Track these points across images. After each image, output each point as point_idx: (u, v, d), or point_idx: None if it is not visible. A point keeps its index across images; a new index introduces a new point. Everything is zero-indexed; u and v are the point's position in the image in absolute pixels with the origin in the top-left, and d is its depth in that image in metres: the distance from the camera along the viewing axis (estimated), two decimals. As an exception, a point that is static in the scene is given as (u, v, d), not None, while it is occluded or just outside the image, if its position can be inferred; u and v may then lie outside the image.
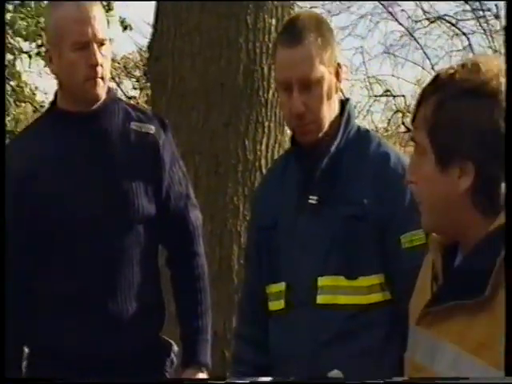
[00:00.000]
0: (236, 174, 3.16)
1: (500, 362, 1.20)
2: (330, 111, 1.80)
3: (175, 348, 2.05)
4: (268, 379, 1.40)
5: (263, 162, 3.17)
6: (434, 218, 1.33)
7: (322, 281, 1.76)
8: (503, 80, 1.28)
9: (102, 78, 1.95)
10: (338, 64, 1.82)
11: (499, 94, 1.27)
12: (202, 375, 2.02)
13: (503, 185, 1.27)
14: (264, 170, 3.06)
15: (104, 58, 1.94)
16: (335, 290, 1.75)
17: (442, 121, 1.28)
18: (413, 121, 1.35)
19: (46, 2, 3.33)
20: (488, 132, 1.26)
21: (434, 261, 1.38)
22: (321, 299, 1.76)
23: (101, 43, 1.94)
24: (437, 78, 1.32)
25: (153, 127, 2.01)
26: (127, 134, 1.99)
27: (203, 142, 3.18)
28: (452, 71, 1.30)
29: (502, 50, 6.64)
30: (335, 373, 1.47)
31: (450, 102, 1.28)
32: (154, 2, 3.42)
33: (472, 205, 1.29)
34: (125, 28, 7.12)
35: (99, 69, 1.93)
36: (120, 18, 6.90)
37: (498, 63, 1.31)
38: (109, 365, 1.92)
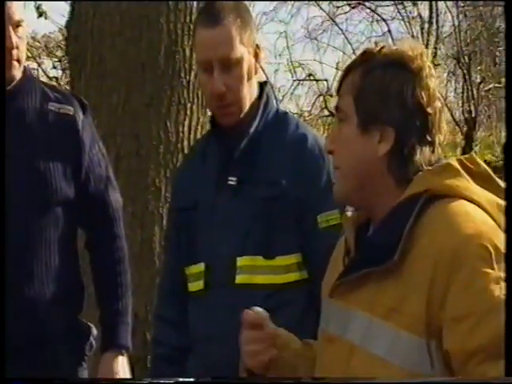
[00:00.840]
0: (158, 155, 3.13)
1: (410, 324, 1.25)
2: (250, 92, 1.81)
3: (94, 331, 2.03)
4: (191, 380, 1.42)
5: (185, 143, 3.15)
6: (349, 183, 1.37)
7: (241, 261, 1.77)
8: (427, 62, 1.34)
9: (18, 61, 1.91)
10: (257, 45, 1.83)
11: (422, 72, 1.33)
12: (122, 358, 2.01)
13: (418, 156, 1.32)
14: (186, 152, 3.05)
15: (20, 40, 1.90)
16: (253, 270, 1.77)
17: (369, 86, 1.34)
18: (338, 91, 1.40)
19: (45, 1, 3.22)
20: (410, 104, 1.32)
21: (346, 237, 1.42)
22: (239, 279, 1.77)
23: (16, 25, 1.89)
24: (365, 52, 1.38)
25: (71, 108, 1.98)
26: (45, 115, 1.95)
27: (124, 123, 3.14)
28: (380, 46, 1.37)
29: (419, 36, 6.82)
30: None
31: (377, 69, 1.34)
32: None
33: (387, 171, 1.34)
34: (40, 15, 6.92)
35: (15, 52, 1.89)
36: (36, 3, 6.68)
37: (422, 47, 1.38)
38: (28, 348, 1.89)
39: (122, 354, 2.02)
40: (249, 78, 1.80)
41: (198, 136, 3.09)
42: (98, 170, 2.02)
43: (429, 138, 1.33)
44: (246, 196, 1.79)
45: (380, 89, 1.33)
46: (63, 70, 8.69)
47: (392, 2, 7.07)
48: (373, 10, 7.24)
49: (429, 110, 1.32)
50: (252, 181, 1.80)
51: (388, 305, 1.28)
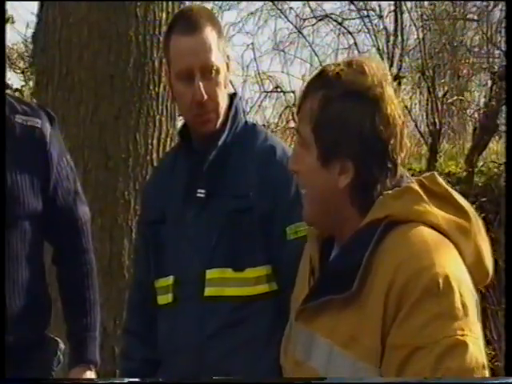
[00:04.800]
0: (127, 168, 3.11)
1: (367, 355, 1.25)
2: (224, 101, 1.82)
3: (62, 346, 2.01)
4: (136, 380, 1.41)
5: (154, 155, 3.14)
6: (314, 209, 1.37)
7: (210, 273, 1.77)
8: (388, 88, 1.32)
9: None
10: (228, 56, 1.84)
11: (381, 101, 1.31)
12: (90, 373, 1.99)
13: (380, 184, 1.31)
14: (155, 164, 3.04)
15: None
16: (223, 282, 1.77)
17: (327, 118, 1.31)
18: (298, 112, 1.38)
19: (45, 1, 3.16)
20: (369, 136, 1.30)
21: (311, 255, 1.42)
22: (208, 292, 1.77)
23: None
24: (323, 74, 1.34)
25: (39, 120, 1.96)
26: (11, 128, 1.92)
27: (92, 135, 3.12)
28: (338, 70, 1.32)
29: (385, 49, 6.90)
30: None
31: (336, 100, 1.31)
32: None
33: (349, 201, 1.33)
34: (6, 21, 6.84)
35: None
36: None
37: (383, 68, 1.35)
38: None
39: (91, 369, 2.00)
40: (225, 87, 1.81)
41: (167, 148, 3.08)
42: (65, 183, 2.00)
43: (389, 165, 1.32)
44: (215, 208, 1.79)
45: (338, 123, 1.30)
46: (26, 81, 8.61)
47: (358, 15, 7.17)
48: (339, 23, 7.32)
49: (388, 138, 1.31)
50: (220, 193, 1.80)
51: (348, 333, 1.28)
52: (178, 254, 1.81)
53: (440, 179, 1.35)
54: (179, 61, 1.78)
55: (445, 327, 1.21)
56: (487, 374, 1.24)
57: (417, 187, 1.32)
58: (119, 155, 3.10)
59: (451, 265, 1.25)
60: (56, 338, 2.01)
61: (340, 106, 1.30)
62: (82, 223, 2.04)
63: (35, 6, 3.28)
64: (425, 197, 1.31)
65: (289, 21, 7.47)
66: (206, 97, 1.75)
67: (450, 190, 1.34)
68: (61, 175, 1.99)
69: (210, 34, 1.77)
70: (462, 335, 1.21)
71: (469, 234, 1.31)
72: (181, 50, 1.78)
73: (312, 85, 1.35)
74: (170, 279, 1.82)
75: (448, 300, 1.22)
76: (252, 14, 7.57)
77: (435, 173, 1.37)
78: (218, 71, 1.77)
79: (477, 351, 1.22)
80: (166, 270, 1.83)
